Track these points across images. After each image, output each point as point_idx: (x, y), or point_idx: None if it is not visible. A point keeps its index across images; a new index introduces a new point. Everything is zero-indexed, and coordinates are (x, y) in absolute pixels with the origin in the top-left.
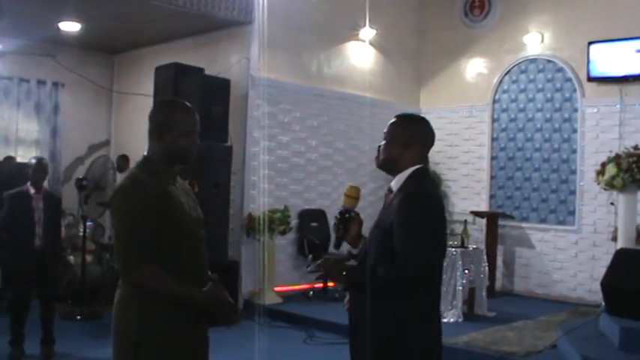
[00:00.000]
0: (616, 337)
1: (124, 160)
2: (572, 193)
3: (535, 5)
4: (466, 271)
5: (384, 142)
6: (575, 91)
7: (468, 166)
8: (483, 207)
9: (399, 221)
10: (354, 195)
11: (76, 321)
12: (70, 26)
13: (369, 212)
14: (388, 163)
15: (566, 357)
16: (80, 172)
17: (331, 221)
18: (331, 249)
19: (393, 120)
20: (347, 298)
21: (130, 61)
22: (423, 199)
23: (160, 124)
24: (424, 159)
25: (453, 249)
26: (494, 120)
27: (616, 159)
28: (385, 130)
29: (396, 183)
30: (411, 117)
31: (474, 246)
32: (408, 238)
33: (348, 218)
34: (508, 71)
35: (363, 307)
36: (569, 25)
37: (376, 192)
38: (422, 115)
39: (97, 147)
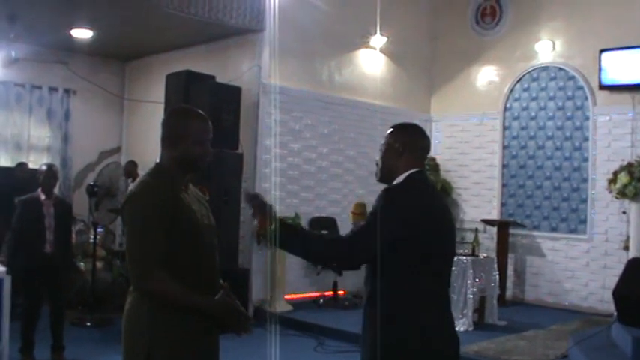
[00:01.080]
0: (628, 347)
1: (132, 166)
2: (584, 201)
3: (546, 13)
4: (477, 280)
5: (380, 154)
6: (586, 99)
7: (479, 174)
8: (494, 215)
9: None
10: (360, 212)
11: (86, 327)
12: (82, 33)
13: None
14: (385, 174)
15: None
16: (91, 178)
17: (342, 229)
18: None
19: (392, 127)
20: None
21: (141, 68)
22: (393, 193)
23: (173, 131)
24: (420, 163)
25: (464, 257)
26: (505, 128)
27: (628, 167)
28: (381, 143)
29: None
30: (402, 125)
31: (485, 254)
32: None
33: None
34: (519, 79)
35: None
36: (580, 33)
37: None
38: (433, 123)
39: (108, 154)
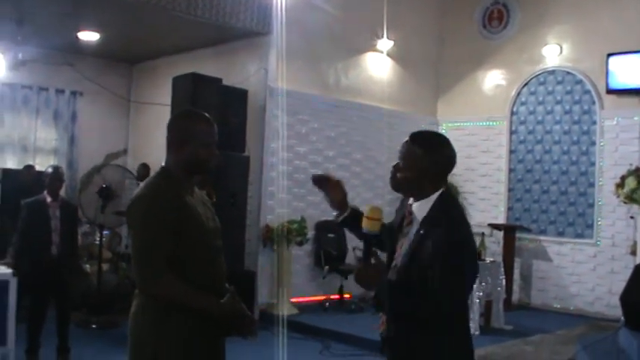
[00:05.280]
0: (635, 353)
1: (144, 168)
2: (591, 206)
3: (554, 16)
4: (483, 284)
5: (404, 162)
6: (594, 103)
7: (486, 178)
8: (501, 219)
9: (441, 263)
10: (377, 217)
11: (92, 329)
12: (89, 36)
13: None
14: (411, 187)
15: None
16: (97, 180)
17: (348, 233)
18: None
19: (415, 140)
20: (381, 320)
21: (147, 70)
22: (465, 240)
23: (179, 134)
24: (446, 182)
25: None
26: (512, 132)
27: (636, 172)
28: (404, 150)
29: (419, 208)
30: (434, 141)
31: (491, 259)
32: (447, 280)
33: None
34: (526, 83)
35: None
36: (588, 37)
37: (394, 203)
38: (440, 127)
39: (114, 156)
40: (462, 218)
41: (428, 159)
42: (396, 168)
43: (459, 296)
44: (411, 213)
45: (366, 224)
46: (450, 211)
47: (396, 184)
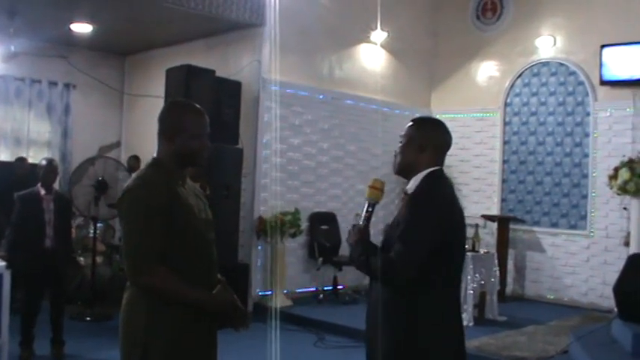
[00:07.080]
0: (628, 343)
1: (135, 160)
2: (584, 197)
3: (547, 8)
4: (477, 275)
5: (399, 146)
6: (587, 94)
7: (480, 169)
8: (494, 211)
9: (404, 220)
10: (380, 187)
11: (86, 322)
12: (82, 28)
13: (381, 215)
14: (404, 167)
15: None
16: (90, 173)
17: (342, 225)
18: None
19: (409, 123)
20: None
21: (141, 62)
22: (429, 199)
23: (170, 125)
24: (440, 161)
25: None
26: (505, 123)
27: (629, 163)
28: (404, 131)
29: (411, 186)
30: (425, 119)
31: (485, 250)
32: (405, 237)
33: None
34: (520, 74)
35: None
36: (581, 28)
37: (387, 195)
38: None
39: (108, 148)
40: (445, 187)
41: (419, 133)
42: (396, 152)
43: (415, 260)
44: (406, 193)
45: (369, 194)
46: (435, 182)
47: (396, 167)
